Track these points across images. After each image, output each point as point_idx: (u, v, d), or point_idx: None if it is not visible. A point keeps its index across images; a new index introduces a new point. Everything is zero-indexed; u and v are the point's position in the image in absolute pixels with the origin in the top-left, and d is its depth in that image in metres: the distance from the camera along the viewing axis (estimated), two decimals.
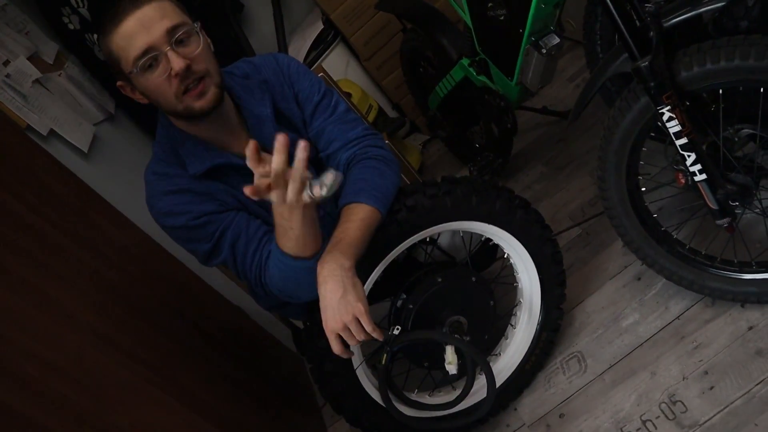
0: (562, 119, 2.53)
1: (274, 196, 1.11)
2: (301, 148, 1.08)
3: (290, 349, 2.41)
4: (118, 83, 1.28)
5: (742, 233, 1.60)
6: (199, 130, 1.32)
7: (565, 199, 2.23)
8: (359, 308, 1.22)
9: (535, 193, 2.35)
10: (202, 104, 1.24)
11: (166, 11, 1.19)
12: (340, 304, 1.22)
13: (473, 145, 2.57)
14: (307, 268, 1.25)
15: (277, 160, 1.06)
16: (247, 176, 1.35)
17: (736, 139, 1.42)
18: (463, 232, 1.58)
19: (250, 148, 1.07)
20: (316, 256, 1.25)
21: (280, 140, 1.06)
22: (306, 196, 1.11)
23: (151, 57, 1.18)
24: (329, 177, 1.11)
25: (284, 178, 1.09)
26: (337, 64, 2.91)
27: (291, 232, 1.20)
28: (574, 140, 2.42)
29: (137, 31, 1.16)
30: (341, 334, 1.24)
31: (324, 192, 1.11)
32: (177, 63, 1.18)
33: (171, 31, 1.18)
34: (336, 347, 1.26)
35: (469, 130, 2.58)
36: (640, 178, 1.56)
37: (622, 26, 1.32)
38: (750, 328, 1.52)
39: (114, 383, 1.28)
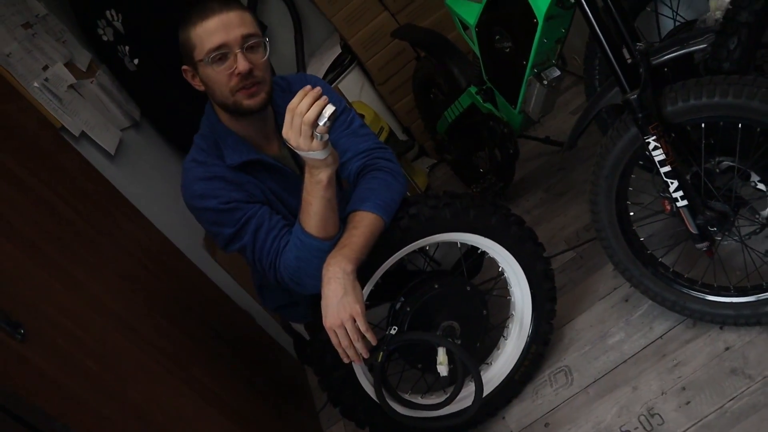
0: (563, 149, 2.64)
1: (291, 135, 1.25)
2: (323, 99, 1.23)
3: (291, 356, 2.51)
4: (184, 67, 1.46)
5: (724, 261, 1.70)
6: (239, 127, 1.49)
7: (562, 224, 2.34)
8: (356, 309, 1.36)
9: (534, 217, 2.45)
10: (251, 103, 1.42)
11: (245, 21, 1.39)
12: (340, 304, 1.36)
13: (478, 169, 2.69)
14: (320, 249, 1.38)
15: (304, 102, 1.23)
16: (276, 175, 1.53)
17: (717, 170, 1.53)
18: (461, 244, 1.68)
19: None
20: (332, 241, 1.39)
21: (307, 88, 1.24)
22: (316, 142, 1.25)
23: (221, 53, 1.36)
24: (326, 111, 1.23)
25: (301, 119, 1.23)
26: (352, 86, 3.06)
27: (311, 208, 1.34)
28: (573, 169, 2.54)
29: (218, 29, 1.35)
30: (337, 331, 1.37)
31: (322, 123, 1.23)
32: (242, 64, 1.36)
33: (245, 38, 1.38)
34: (335, 340, 1.39)
35: (474, 155, 2.70)
36: (628, 203, 1.67)
37: (614, 61, 1.44)
38: (726, 349, 1.61)
39: (132, 364, 1.39)
